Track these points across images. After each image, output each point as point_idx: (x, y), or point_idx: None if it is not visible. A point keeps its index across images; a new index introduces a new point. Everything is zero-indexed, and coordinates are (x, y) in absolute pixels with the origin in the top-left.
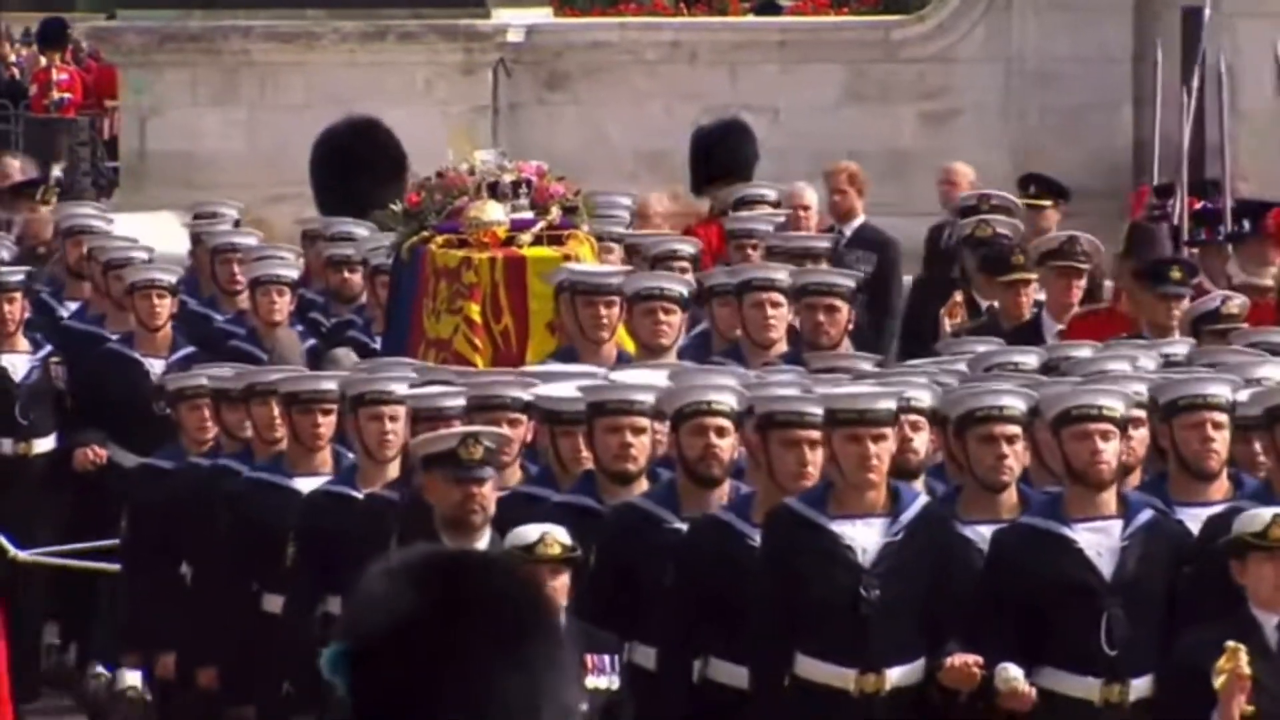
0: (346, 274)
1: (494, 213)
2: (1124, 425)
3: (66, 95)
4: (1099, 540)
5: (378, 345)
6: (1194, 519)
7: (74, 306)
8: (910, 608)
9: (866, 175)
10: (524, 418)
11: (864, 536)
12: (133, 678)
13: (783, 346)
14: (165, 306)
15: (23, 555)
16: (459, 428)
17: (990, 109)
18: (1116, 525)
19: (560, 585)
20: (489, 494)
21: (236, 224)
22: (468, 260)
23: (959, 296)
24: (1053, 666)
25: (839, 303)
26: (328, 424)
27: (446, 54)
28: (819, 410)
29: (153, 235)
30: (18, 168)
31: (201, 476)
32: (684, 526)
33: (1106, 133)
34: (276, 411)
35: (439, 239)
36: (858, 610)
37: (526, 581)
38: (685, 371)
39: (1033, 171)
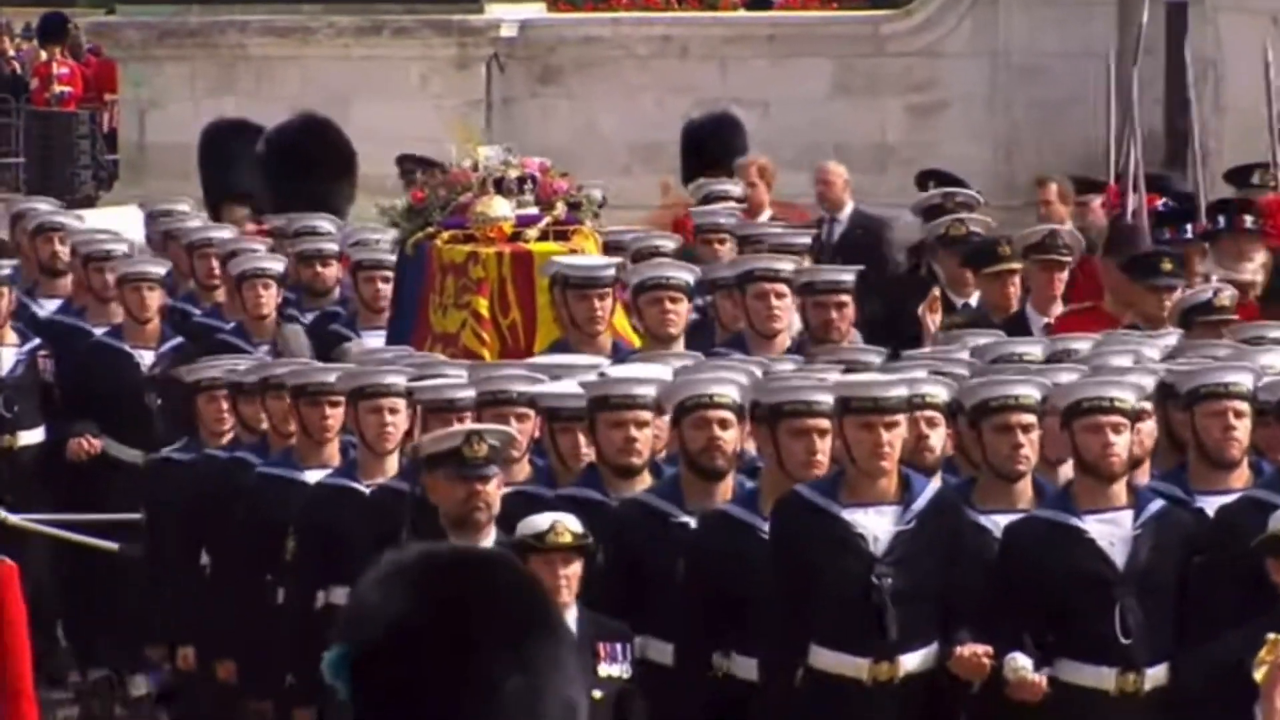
0: (319, 268)
1: (500, 208)
2: (1135, 417)
3: (67, 89)
4: (1110, 531)
5: (363, 338)
6: (1214, 507)
7: (48, 303)
8: (923, 595)
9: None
10: (531, 412)
11: (875, 524)
12: (142, 683)
13: (787, 338)
14: (155, 298)
15: (13, 519)
16: (463, 425)
17: (976, 102)
18: (1127, 516)
19: (572, 573)
20: (493, 492)
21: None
22: (475, 255)
23: (936, 292)
24: (1067, 657)
25: (848, 299)
26: (335, 416)
27: (440, 49)
28: (827, 399)
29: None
30: None
31: (218, 469)
32: (690, 520)
33: (1090, 126)
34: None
35: (445, 234)
36: (870, 599)
37: (529, 580)
38: (686, 365)
39: (932, 168)
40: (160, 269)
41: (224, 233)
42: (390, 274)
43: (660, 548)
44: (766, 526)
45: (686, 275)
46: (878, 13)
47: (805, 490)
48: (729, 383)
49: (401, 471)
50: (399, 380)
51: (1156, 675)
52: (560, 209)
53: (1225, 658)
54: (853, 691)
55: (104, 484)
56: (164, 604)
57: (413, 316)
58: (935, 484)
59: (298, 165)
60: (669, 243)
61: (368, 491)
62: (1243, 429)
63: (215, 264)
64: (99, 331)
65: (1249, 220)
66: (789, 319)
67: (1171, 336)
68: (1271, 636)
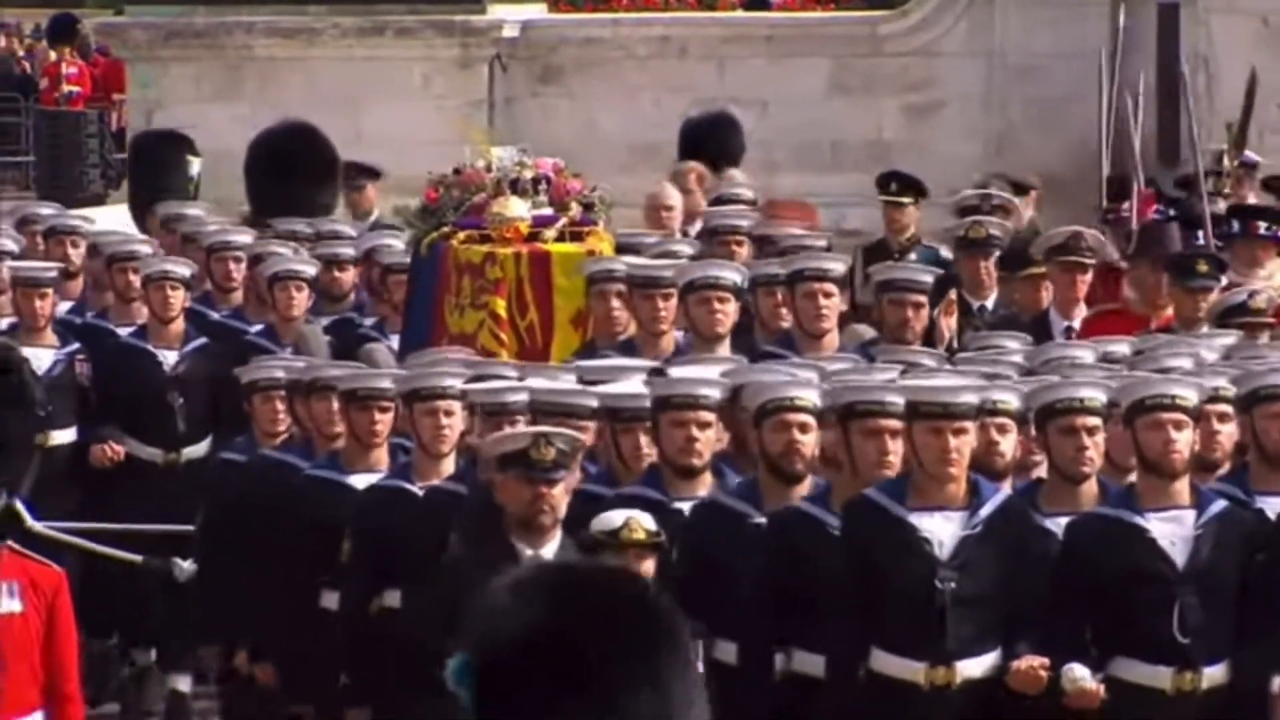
0: (336, 273)
1: (517, 208)
2: (1197, 415)
3: (75, 89)
4: (1172, 529)
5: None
6: (1275, 508)
7: (60, 306)
8: (986, 601)
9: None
10: (590, 424)
11: (941, 529)
12: (183, 681)
13: (835, 337)
14: (179, 299)
15: (37, 527)
16: (531, 428)
17: (972, 101)
18: (1189, 515)
19: (645, 570)
20: (560, 495)
21: (243, 222)
22: (492, 255)
23: (953, 295)
24: (1125, 655)
25: (924, 298)
26: (385, 421)
27: (443, 49)
28: (899, 399)
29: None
30: None
31: (265, 470)
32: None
33: (1085, 125)
34: (336, 406)
35: (460, 235)
36: (933, 602)
37: (652, 593)
38: (762, 368)
39: (894, 169)
40: (185, 269)
41: (243, 236)
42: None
43: (737, 548)
44: (837, 523)
45: (735, 275)
46: (875, 13)
47: (873, 494)
48: (809, 386)
49: (456, 474)
50: (455, 382)
51: (1214, 675)
52: (575, 210)
53: None
54: (910, 695)
55: (128, 488)
56: (219, 605)
57: (428, 317)
58: (1004, 490)
59: (281, 169)
60: (686, 248)
61: (421, 493)
62: None
63: (232, 266)
64: (124, 332)
65: (1263, 226)
66: (836, 318)
67: (1226, 338)
68: None
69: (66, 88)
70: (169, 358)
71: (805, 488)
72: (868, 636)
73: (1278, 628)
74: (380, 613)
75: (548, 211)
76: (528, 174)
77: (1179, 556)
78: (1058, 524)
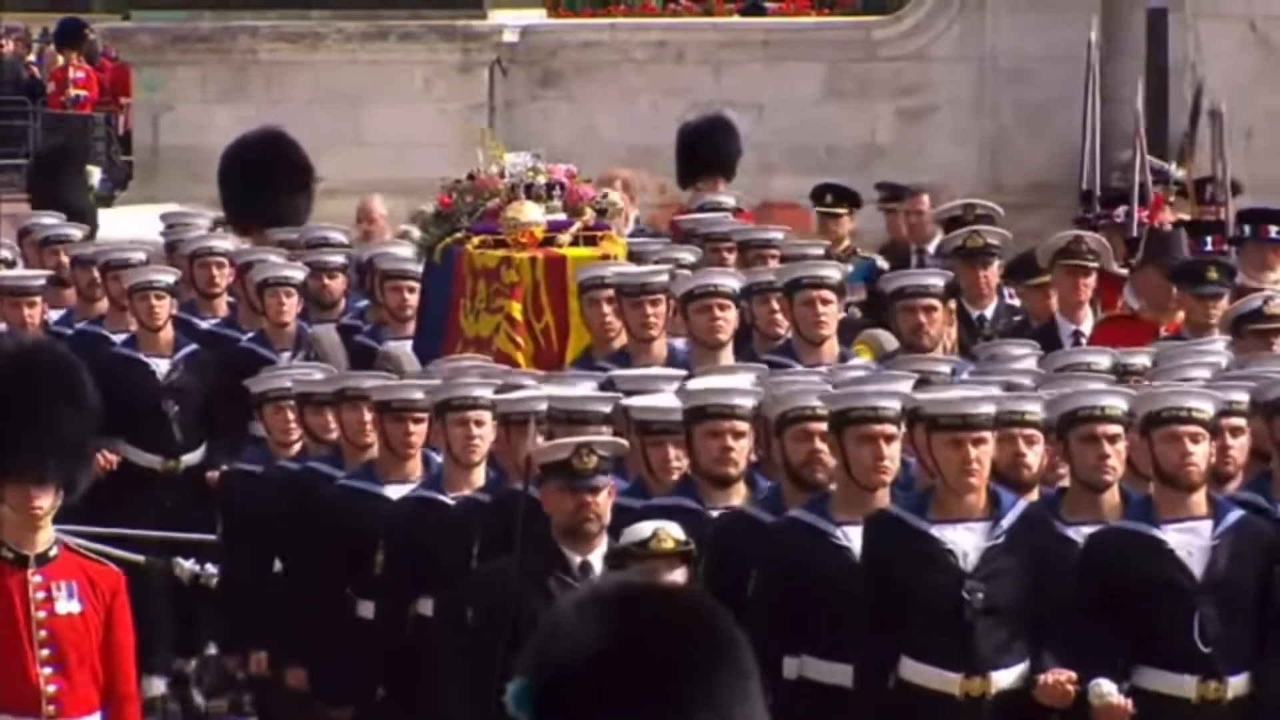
0: (326, 280)
1: (532, 213)
2: (1214, 428)
3: (83, 93)
4: (1189, 540)
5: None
6: None
7: (53, 314)
8: (1014, 611)
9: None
10: (605, 429)
11: (965, 540)
12: (159, 685)
13: (834, 345)
14: (164, 307)
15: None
16: (574, 437)
17: (964, 105)
18: (1206, 525)
19: (676, 580)
20: (604, 503)
21: (214, 227)
22: (507, 260)
23: (952, 305)
24: (1149, 665)
25: (937, 303)
26: (419, 432)
27: (445, 53)
28: (894, 404)
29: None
30: None
31: (292, 479)
32: None
33: (1075, 129)
34: (368, 416)
35: (475, 240)
36: (962, 614)
37: (712, 613)
38: (782, 377)
39: (828, 181)
40: (168, 277)
41: (227, 243)
42: (415, 283)
43: (761, 557)
44: (837, 532)
45: (734, 283)
46: (869, 18)
47: (895, 509)
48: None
49: (487, 484)
50: (485, 393)
51: (1239, 684)
52: (589, 215)
53: None
54: (944, 706)
55: (129, 495)
56: (238, 612)
57: (442, 321)
58: (1024, 500)
59: (255, 178)
60: (688, 255)
61: (452, 503)
62: None
63: (216, 273)
64: (119, 339)
65: (1274, 229)
66: (835, 325)
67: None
68: None
69: (74, 91)
70: (161, 366)
71: None
72: (894, 650)
73: None
74: (415, 622)
75: (562, 217)
76: (541, 179)
77: (1196, 567)
78: (1080, 533)
